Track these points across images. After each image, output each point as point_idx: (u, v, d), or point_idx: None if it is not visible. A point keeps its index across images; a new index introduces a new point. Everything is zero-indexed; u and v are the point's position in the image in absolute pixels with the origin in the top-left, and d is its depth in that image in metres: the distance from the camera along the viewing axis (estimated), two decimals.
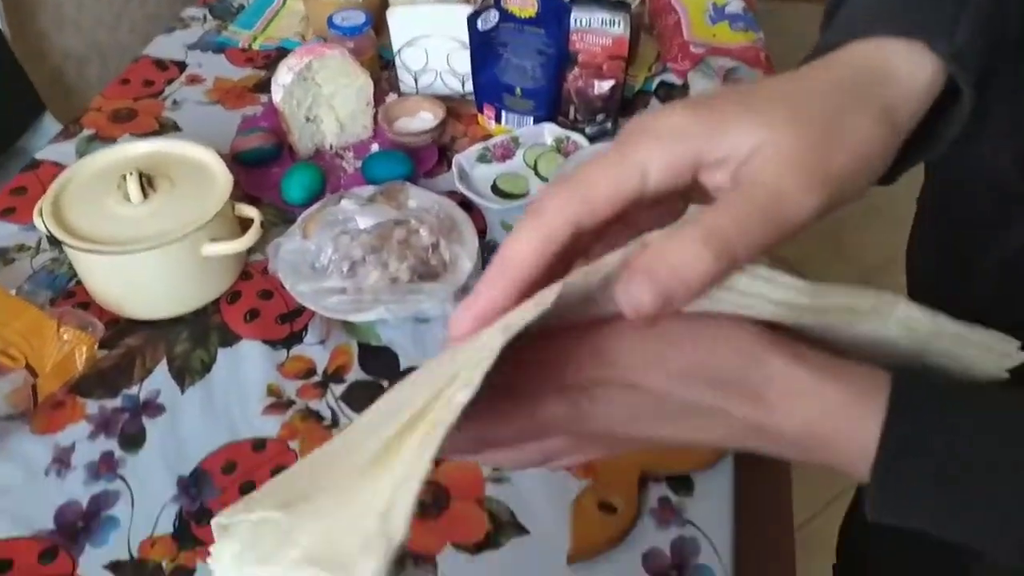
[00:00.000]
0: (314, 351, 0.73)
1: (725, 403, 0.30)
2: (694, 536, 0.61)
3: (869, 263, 1.91)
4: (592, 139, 0.93)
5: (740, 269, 0.28)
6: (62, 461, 0.65)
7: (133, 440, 0.66)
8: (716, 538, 0.60)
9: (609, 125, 0.95)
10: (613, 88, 0.92)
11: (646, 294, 0.26)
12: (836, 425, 0.29)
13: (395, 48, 0.97)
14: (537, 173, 0.90)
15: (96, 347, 0.70)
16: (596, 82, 0.91)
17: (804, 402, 0.29)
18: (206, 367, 0.72)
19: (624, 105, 0.98)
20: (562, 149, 0.92)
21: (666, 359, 0.29)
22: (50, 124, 1.42)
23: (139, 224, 0.71)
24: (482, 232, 0.84)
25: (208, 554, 0.32)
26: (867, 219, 2.01)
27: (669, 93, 1.04)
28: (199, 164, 0.78)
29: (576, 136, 0.92)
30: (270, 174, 0.89)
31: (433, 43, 0.96)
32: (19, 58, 1.39)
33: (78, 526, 0.61)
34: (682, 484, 0.64)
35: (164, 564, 0.58)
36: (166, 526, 0.61)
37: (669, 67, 1.07)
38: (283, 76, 0.88)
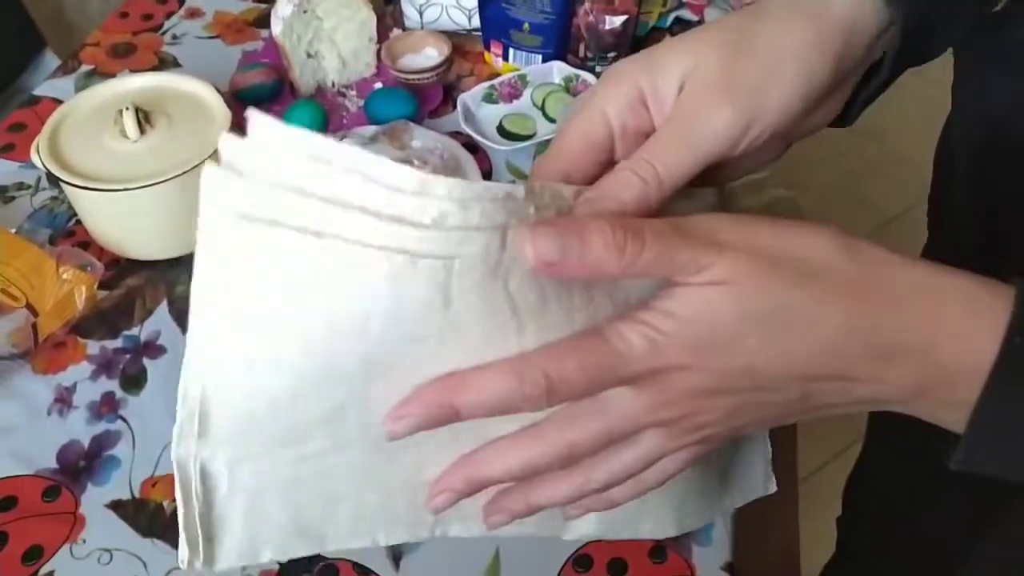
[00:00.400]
0: None
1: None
2: None
3: (889, 212, 1.87)
4: None
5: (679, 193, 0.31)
6: (64, 401, 0.65)
7: (134, 381, 0.66)
8: None
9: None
10: (626, 23, 0.88)
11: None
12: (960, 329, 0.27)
13: None
14: (545, 113, 0.88)
15: (96, 287, 0.70)
16: (608, 17, 0.87)
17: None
18: None
19: (636, 43, 0.94)
20: (571, 88, 0.89)
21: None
22: (51, 61, 1.40)
23: (137, 161, 0.70)
24: (487, 174, 0.82)
25: None
26: (886, 167, 1.97)
27: (685, 30, 1.00)
28: (197, 100, 0.76)
29: (586, 75, 0.89)
30: (271, 112, 0.86)
31: None
32: None
33: (80, 465, 0.61)
34: None
35: (165, 504, 0.59)
36: (166, 467, 0.61)
37: (685, 2, 1.02)
38: (283, 8, 0.85)
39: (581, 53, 0.91)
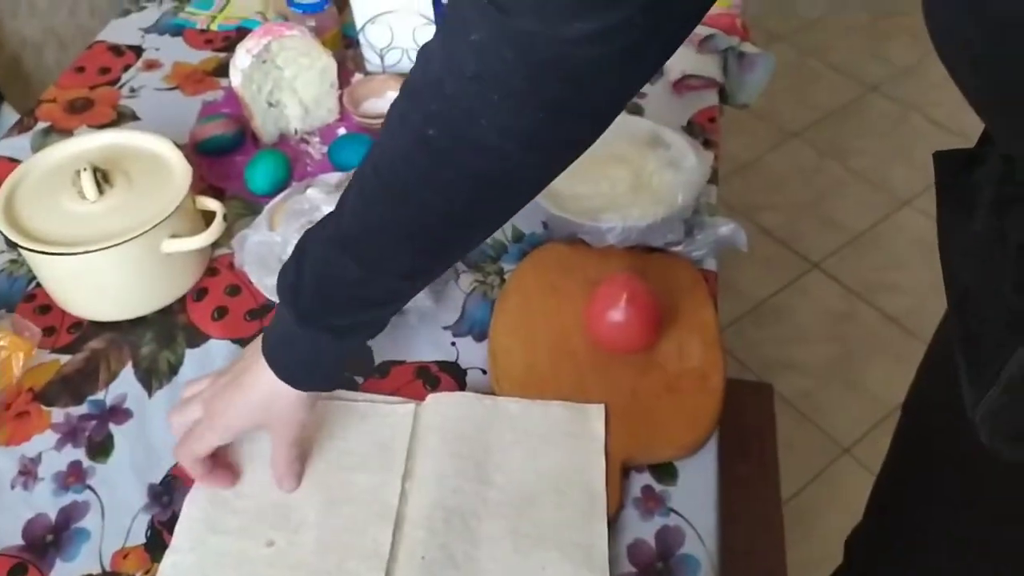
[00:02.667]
0: None
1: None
2: (678, 525, 0.60)
3: (856, 229, 1.90)
4: None
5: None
6: (28, 473, 0.63)
7: (101, 448, 0.64)
8: (701, 526, 0.59)
9: None
10: None
11: None
12: None
13: (358, 26, 0.94)
14: None
15: (34, 352, 0.68)
16: None
17: None
18: (173, 369, 0.70)
19: None
20: None
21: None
22: (8, 115, 1.37)
23: (96, 222, 0.69)
24: None
25: None
26: (851, 185, 2.00)
27: None
28: (156, 156, 0.75)
29: None
30: (233, 163, 0.86)
31: (397, 19, 0.93)
32: None
33: (47, 540, 0.59)
34: (665, 472, 0.62)
35: None
36: (138, 536, 0.59)
37: None
38: (241, 59, 0.84)
39: None
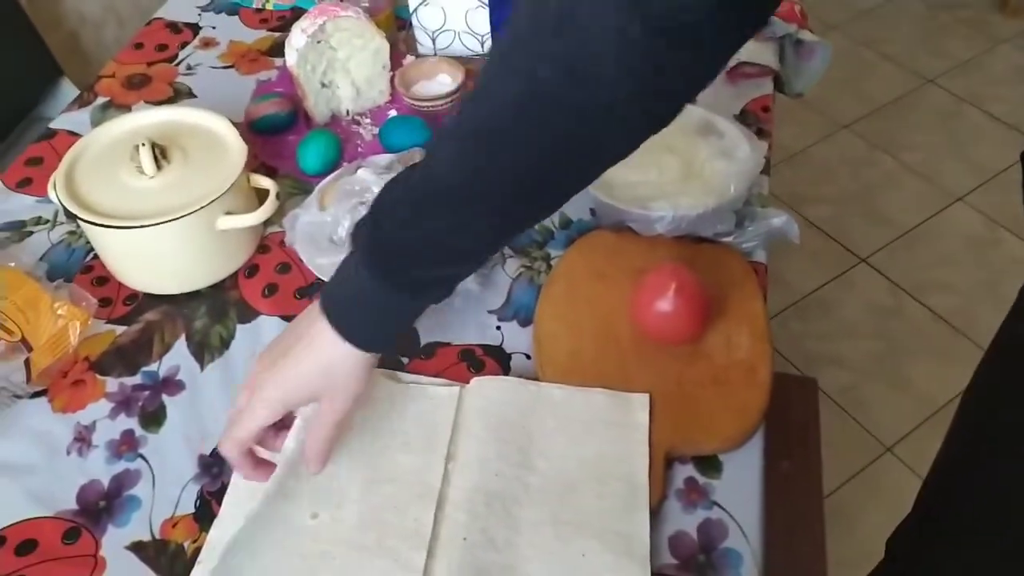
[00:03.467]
0: None
1: None
2: (721, 518, 0.59)
3: (906, 224, 1.85)
4: None
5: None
6: (83, 440, 0.65)
7: (153, 418, 0.66)
8: (744, 521, 0.59)
9: None
10: None
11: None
12: None
13: (411, 7, 0.94)
14: None
15: (90, 322, 0.70)
16: None
17: None
18: (225, 344, 0.71)
19: None
20: None
21: None
22: (68, 90, 1.41)
23: (153, 197, 0.70)
24: None
25: None
26: (902, 180, 1.95)
27: None
28: (213, 134, 0.76)
29: None
30: (286, 142, 0.87)
31: (450, 1, 0.92)
32: (35, 23, 1.37)
33: (100, 506, 0.61)
34: (709, 464, 0.62)
35: (186, 545, 0.58)
36: (187, 506, 0.61)
37: None
38: (296, 39, 0.85)
39: None
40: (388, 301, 0.53)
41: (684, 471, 0.62)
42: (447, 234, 0.51)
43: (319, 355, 0.54)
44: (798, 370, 1.57)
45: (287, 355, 0.55)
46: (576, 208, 0.81)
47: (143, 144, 0.70)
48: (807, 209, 1.88)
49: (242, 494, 0.59)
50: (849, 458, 1.45)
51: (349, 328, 0.53)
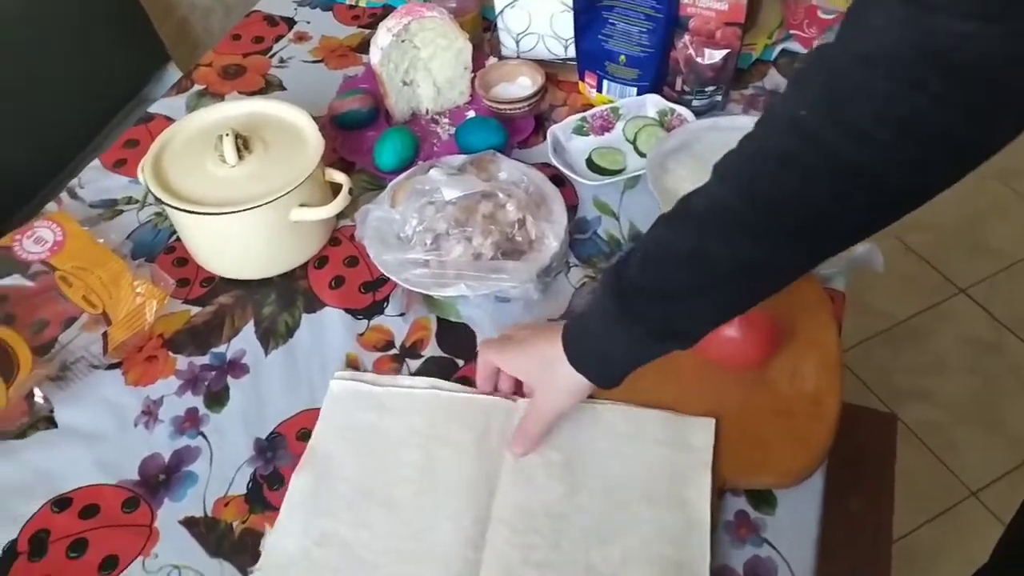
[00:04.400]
0: (394, 323, 0.73)
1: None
2: (771, 557, 0.57)
3: (1014, 255, 1.73)
4: (699, 113, 0.87)
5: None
6: (150, 414, 0.67)
7: (217, 398, 0.68)
8: (796, 562, 0.56)
9: (719, 98, 0.88)
10: (726, 57, 0.85)
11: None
12: None
13: (497, 8, 0.94)
14: (636, 148, 0.86)
15: (166, 302, 0.73)
16: (708, 50, 0.84)
17: None
18: (290, 331, 0.73)
19: (738, 76, 0.91)
20: (665, 123, 0.87)
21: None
22: (174, 75, 1.48)
23: (233, 185, 0.72)
24: (573, 208, 0.81)
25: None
26: (1010, 209, 1.83)
27: (791, 63, 0.96)
28: (294, 127, 0.78)
29: (682, 109, 0.86)
30: (365, 138, 0.89)
31: (536, 4, 0.92)
32: (147, 9, 1.44)
33: (159, 479, 0.63)
34: (763, 499, 0.59)
35: (235, 525, 0.60)
36: (240, 487, 0.62)
37: (793, 34, 0.98)
38: (381, 38, 0.86)
39: (678, 87, 0.88)
40: (619, 333, 0.54)
41: (736, 503, 0.59)
42: (688, 260, 0.50)
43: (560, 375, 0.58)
44: (882, 402, 1.49)
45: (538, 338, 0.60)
46: (647, 221, 0.79)
47: (227, 134, 0.73)
48: (905, 234, 1.78)
49: (300, 503, 0.60)
50: (929, 500, 1.36)
51: (585, 363, 0.57)
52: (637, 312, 0.53)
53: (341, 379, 0.67)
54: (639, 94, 0.89)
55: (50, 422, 0.67)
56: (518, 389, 0.65)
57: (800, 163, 0.45)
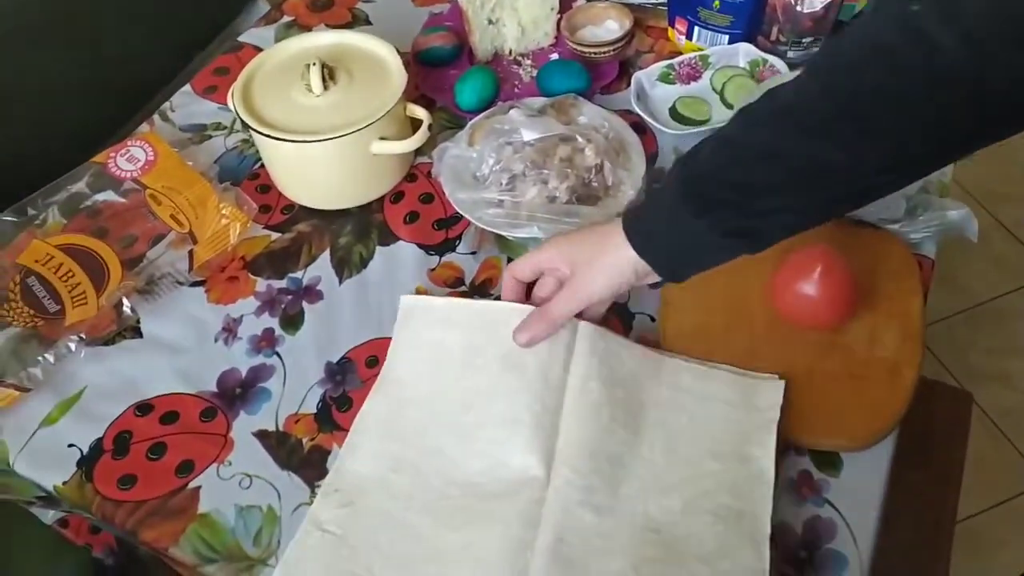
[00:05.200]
0: (464, 261, 0.73)
1: None
2: (831, 518, 0.56)
3: None
4: (793, 65, 0.83)
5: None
6: (230, 331, 0.70)
7: (292, 321, 0.71)
8: (857, 525, 0.55)
9: (816, 50, 0.85)
10: (828, 7, 0.81)
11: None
12: None
13: None
14: (723, 99, 0.83)
15: (249, 225, 0.75)
16: None
17: None
18: (364, 262, 0.74)
19: (837, 27, 0.87)
20: (756, 74, 0.84)
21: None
22: (262, 7, 1.50)
23: (317, 115, 0.73)
24: (652, 157, 0.79)
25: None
26: None
27: None
28: (378, 60, 0.78)
29: (775, 60, 0.83)
30: (447, 75, 0.88)
31: None
32: None
33: (236, 392, 0.66)
34: (828, 461, 0.58)
35: (304, 441, 0.63)
36: (310, 406, 0.65)
37: None
38: None
39: (772, 36, 0.85)
40: (687, 224, 0.52)
41: (799, 462, 0.59)
42: (764, 156, 0.49)
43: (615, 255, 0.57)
44: (956, 381, 1.44)
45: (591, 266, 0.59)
46: None
47: (313, 64, 0.74)
48: (998, 208, 1.69)
49: (372, 427, 0.61)
50: (997, 484, 1.32)
51: (645, 246, 0.55)
52: (706, 203, 0.51)
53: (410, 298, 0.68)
54: (731, 43, 0.85)
55: (136, 332, 0.70)
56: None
57: (900, 58, 0.42)
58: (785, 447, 0.59)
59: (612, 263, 0.57)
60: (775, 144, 0.48)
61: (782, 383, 0.60)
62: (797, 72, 0.51)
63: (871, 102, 0.44)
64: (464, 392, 0.62)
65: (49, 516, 0.77)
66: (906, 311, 0.64)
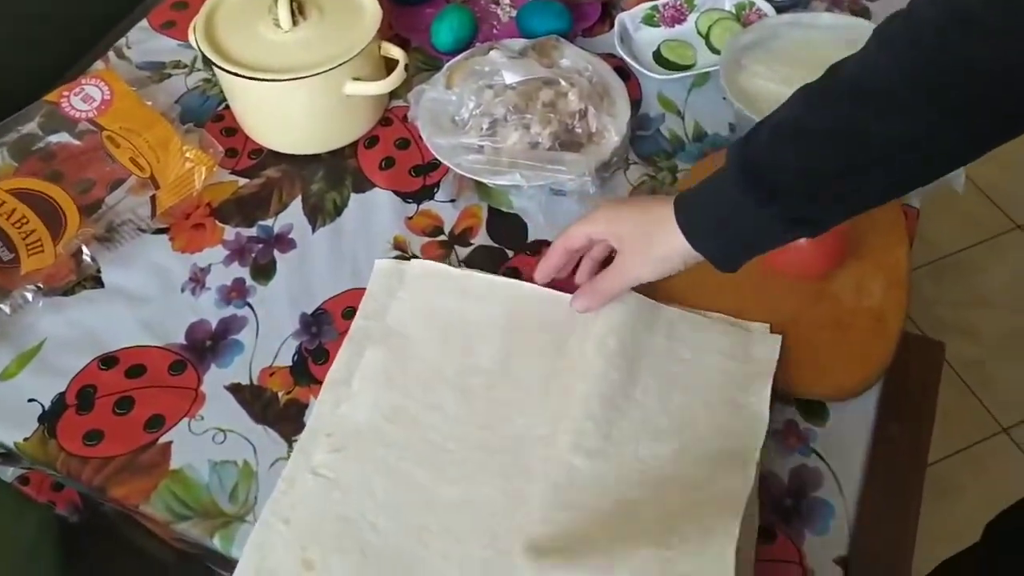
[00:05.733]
0: (443, 209, 0.71)
1: None
2: (818, 467, 0.56)
3: None
4: (780, 8, 0.81)
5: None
6: (197, 280, 0.67)
7: (264, 271, 0.68)
8: (842, 474, 0.55)
9: None
10: None
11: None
12: None
13: None
14: (708, 43, 0.81)
15: (215, 169, 0.71)
16: None
17: None
18: (338, 210, 0.71)
19: None
20: (742, 17, 0.81)
21: None
22: None
23: (286, 52, 0.69)
24: (637, 103, 0.77)
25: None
26: None
27: None
28: None
29: (761, 3, 0.81)
30: (423, 14, 0.84)
31: None
32: None
33: (206, 344, 0.63)
34: (813, 410, 0.58)
35: (280, 395, 0.60)
36: (285, 359, 0.62)
37: None
38: None
39: None
40: (747, 214, 0.49)
41: (785, 413, 0.58)
42: (834, 137, 0.46)
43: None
44: (922, 332, 1.46)
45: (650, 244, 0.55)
46: (713, 121, 0.76)
47: None
48: (971, 167, 1.70)
49: (370, 373, 0.60)
50: (958, 432, 1.35)
51: (701, 236, 0.53)
52: (770, 193, 0.47)
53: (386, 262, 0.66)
54: None
55: (97, 282, 0.67)
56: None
57: (982, 25, 0.39)
58: (771, 397, 0.58)
59: (663, 256, 0.54)
60: (846, 125, 0.45)
61: (779, 337, 0.59)
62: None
63: (955, 74, 0.41)
64: (475, 356, 0.60)
65: (8, 474, 0.74)
66: (893, 261, 0.63)
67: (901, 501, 0.70)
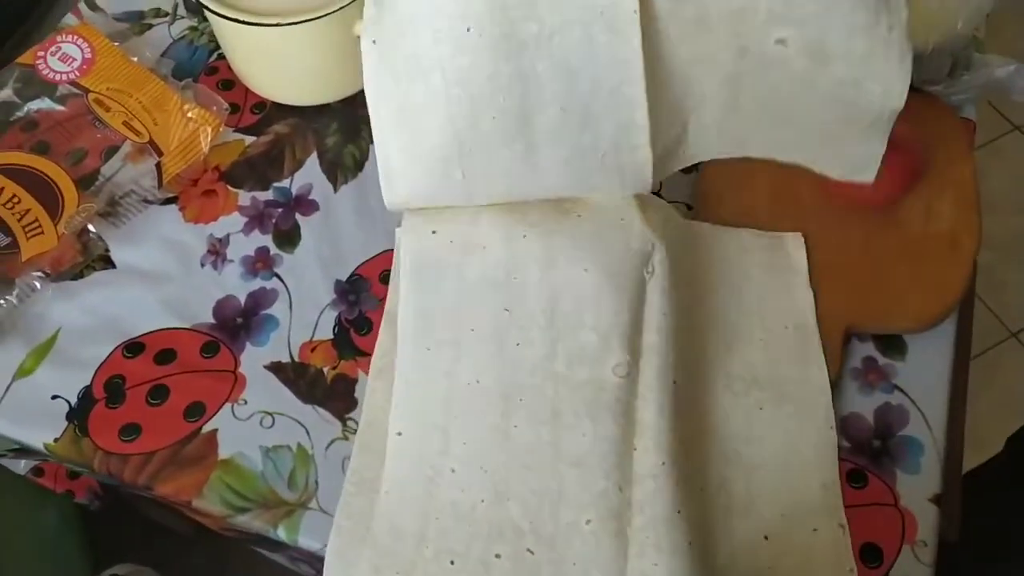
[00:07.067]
0: None
1: None
2: (902, 404, 0.54)
3: None
4: None
5: None
6: (217, 253, 0.62)
7: (288, 237, 0.62)
8: (928, 409, 0.53)
9: None
10: None
11: None
12: None
13: None
14: None
15: (221, 128, 0.65)
16: None
17: None
18: (358, 164, 0.66)
19: None
20: None
21: None
22: None
23: None
24: None
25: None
26: None
27: None
28: None
29: None
30: None
31: None
32: None
33: (237, 322, 0.59)
34: (892, 345, 0.56)
35: (326, 371, 0.56)
36: (325, 331, 0.58)
37: None
38: None
39: None
40: None
41: (863, 349, 0.56)
42: None
43: None
44: None
45: None
46: None
47: None
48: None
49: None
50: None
51: None
52: None
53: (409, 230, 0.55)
54: None
55: (107, 262, 0.61)
56: None
57: None
58: (848, 334, 0.55)
59: None
60: None
61: (800, 234, 0.58)
62: None
63: None
64: (541, 302, 0.51)
65: (21, 467, 0.69)
66: (959, 179, 0.60)
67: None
